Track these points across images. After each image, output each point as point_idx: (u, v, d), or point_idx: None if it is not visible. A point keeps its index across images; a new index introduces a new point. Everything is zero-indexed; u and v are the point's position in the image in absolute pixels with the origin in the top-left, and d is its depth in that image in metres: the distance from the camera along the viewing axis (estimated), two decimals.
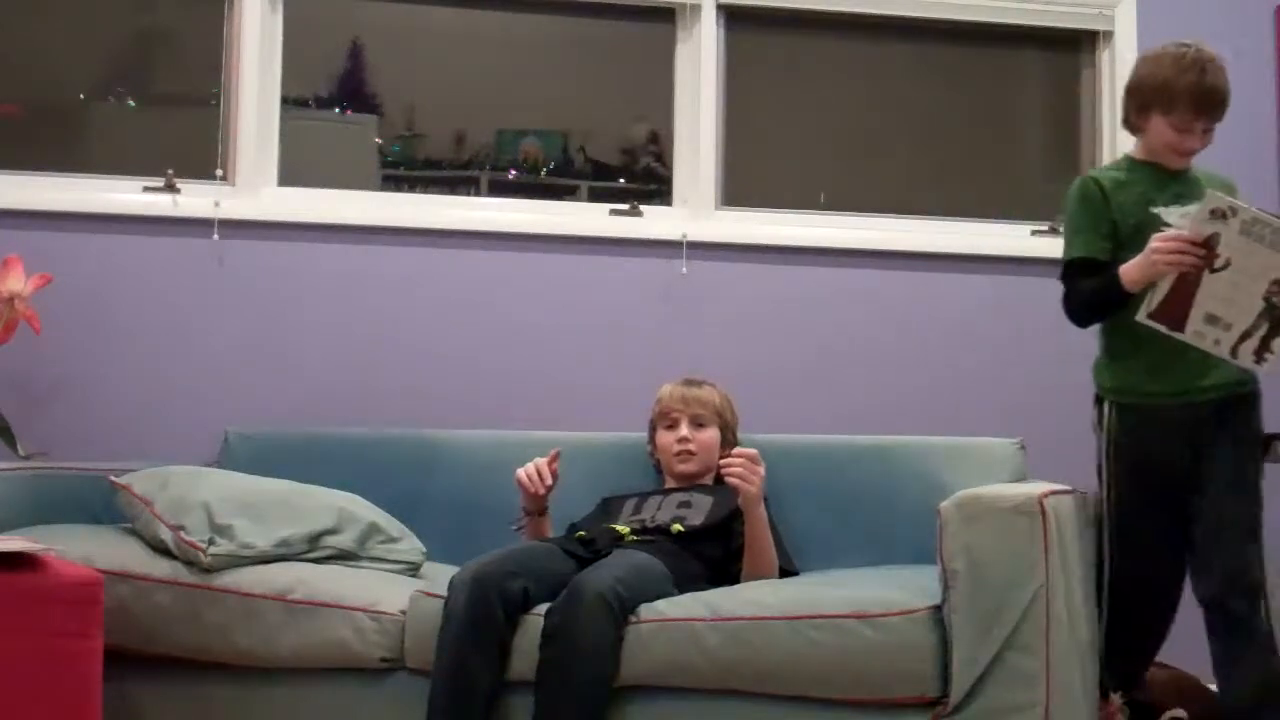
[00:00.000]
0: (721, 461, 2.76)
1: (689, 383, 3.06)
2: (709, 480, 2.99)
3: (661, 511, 2.86)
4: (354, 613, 2.55)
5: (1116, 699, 3.03)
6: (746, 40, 3.87)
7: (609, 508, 2.97)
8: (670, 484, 3.02)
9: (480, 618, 2.41)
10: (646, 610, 2.44)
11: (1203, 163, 3.89)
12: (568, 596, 2.39)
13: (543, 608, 2.44)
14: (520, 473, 2.83)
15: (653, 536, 2.76)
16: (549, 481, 2.82)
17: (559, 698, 2.34)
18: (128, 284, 3.47)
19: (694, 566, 2.70)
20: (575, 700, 2.35)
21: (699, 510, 2.85)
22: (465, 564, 2.50)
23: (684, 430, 2.99)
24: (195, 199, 3.52)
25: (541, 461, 2.82)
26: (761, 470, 2.69)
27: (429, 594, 2.53)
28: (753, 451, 2.69)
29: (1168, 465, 2.74)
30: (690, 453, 2.98)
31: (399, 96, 3.89)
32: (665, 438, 3.02)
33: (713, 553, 2.77)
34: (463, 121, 3.90)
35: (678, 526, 2.79)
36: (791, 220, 3.81)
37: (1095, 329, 2.98)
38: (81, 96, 3.71)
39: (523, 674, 2.41)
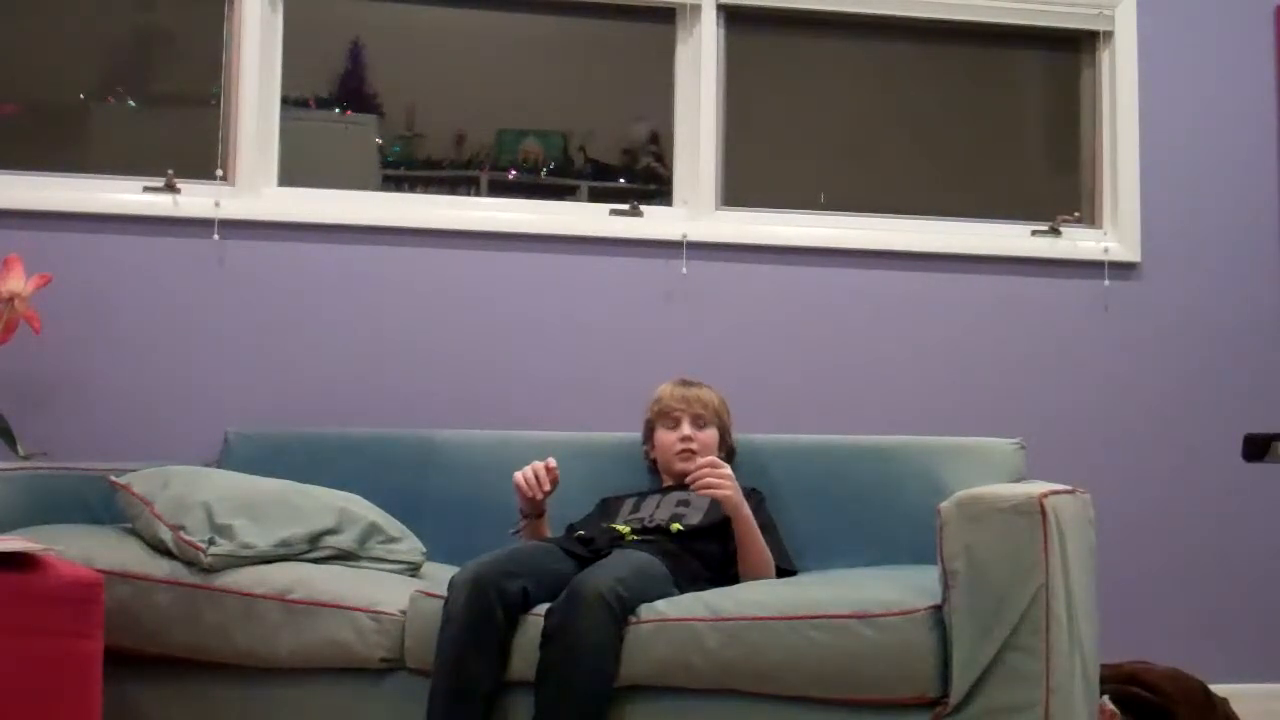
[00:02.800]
0: (688, 479, 2.74)
1: (686, 383, 3.07)
2: None
3: (660, 510, 2.86)
4: (354, 613, 2.55)
5: (1106, 700, 3.04)
6: (746, 40, 3.87)
7: (607, 508, 2.97)
8: (667, 483, 3.02)
9: (480, 618, 2.41)
10: (646, 610, 2.43)
11: (1200, 160, 3.91)
12: (568, 597, 2.39)
13: (543, 608, 2.43)
14: (518, 476, 2.83)
15: (652, 536, 2.76)
16: (546, 487, 2.82)
17: (559, 698, 2.34)
18: (128, 284, 3.47)
19: (694, 566, 2.70)
20: (575, 701, 2.34)
21: (697, 509, 2.85)
22: (465, 564, 2.50)
23: (686, 429, 2.99)
24: (195, 199, 3.52)
25: (539, 465, 2.82)
26: (726, 470, 2.71)
27: (429, 594, 2.53)
28: (709, 458, 2.75)
29: None
30: (692, 451, 2.97)
31: (399, 96, 3.89)
32: (667, 437, 3.02)
33: (712, 552, 2.77)
34: (463, 121, 3.89)
35: (677, 526, 2.79)
36: (791, 220, 3.81)
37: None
38: (81, 96, 3.71)
39: (523, 674, 2.41)
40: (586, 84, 3.95)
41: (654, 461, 3.08)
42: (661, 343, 3.63)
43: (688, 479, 2.74)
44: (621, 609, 2.39)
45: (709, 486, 2.68)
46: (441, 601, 2.46)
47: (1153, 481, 3.80)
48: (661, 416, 3.04)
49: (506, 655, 2.43)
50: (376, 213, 3.62)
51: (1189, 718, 3.14)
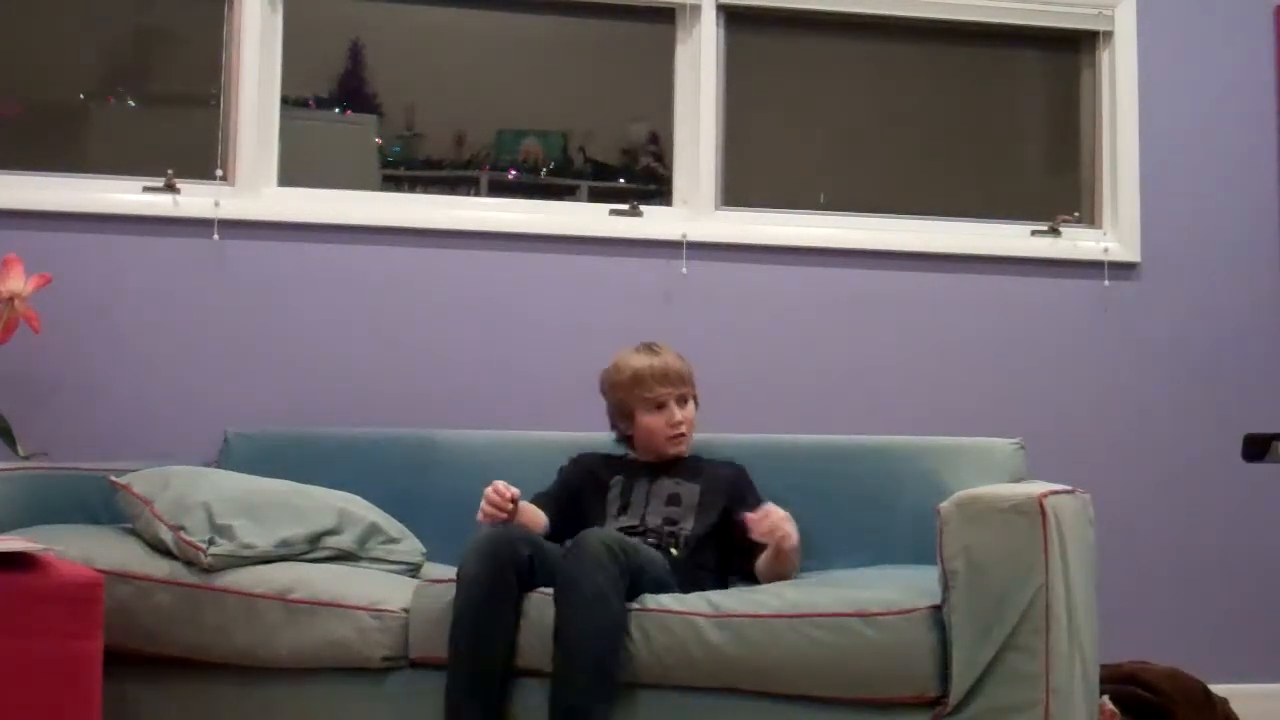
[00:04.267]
0: (760, 533, 2.68)
1: (653, 350, 2.97)
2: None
3: (650, 511, 2.84)
4: (355, 612, 2.55)
5: (1106, 700, 3.04)
6: (746, 40, 3.87)
7: (592, 495, 2.92)
8: (646, 457, 2.95)
9: (497, 575, 2.45)
10: (651, 602, 2.46)
11: (1200, 160, 3.91)
12: (573, 546, 2.45)
13: (547, 589, 2.47)
14: (482, 518, 2.67)
15: (652, 543, 2.76)
16: (510, 494, 2.67)
17: (573, 642, 2.37)
18: (128, 284, 3.47)
19: (698, 575, 2.72)
20: (590, 637, 2.38)
21: (689, 506, 2.83)
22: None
23: (678, 414, 2.93)
24: (195, 199, 3.52)
25: (495, 498, 2.66)
26: (787, 517, 2.71)
27: (434, 581, 2.56)
28: (780, 513, 2.69)
29: None
30: (683, 434, 2.94)
31: (399, 96, 3.89)
32: (654, 421, 2.93)
33: (709, 562, 2.79)
34: (463, 121, 3.90)
35: (675, 551, 2.76)
36: (791, 220, 3.81)
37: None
38: (81, 96, 3.71)
39: (530, 656, 2.44)
40: (586, 84, 3.95)
41: (627, 438, 3.01)
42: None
43: (761, 533, 2.67)
44: (624, 553, 2.45)
45: (785, 535, 2.67)
46: (447, 586, 2.49)
47: (1153, 481, 3.80)
48: (643, 399, 2.93)
49: (519, 615, 2.46)
50: (376, 213, 3.62)
51: (1189, 717, 3.14)
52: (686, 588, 2.59)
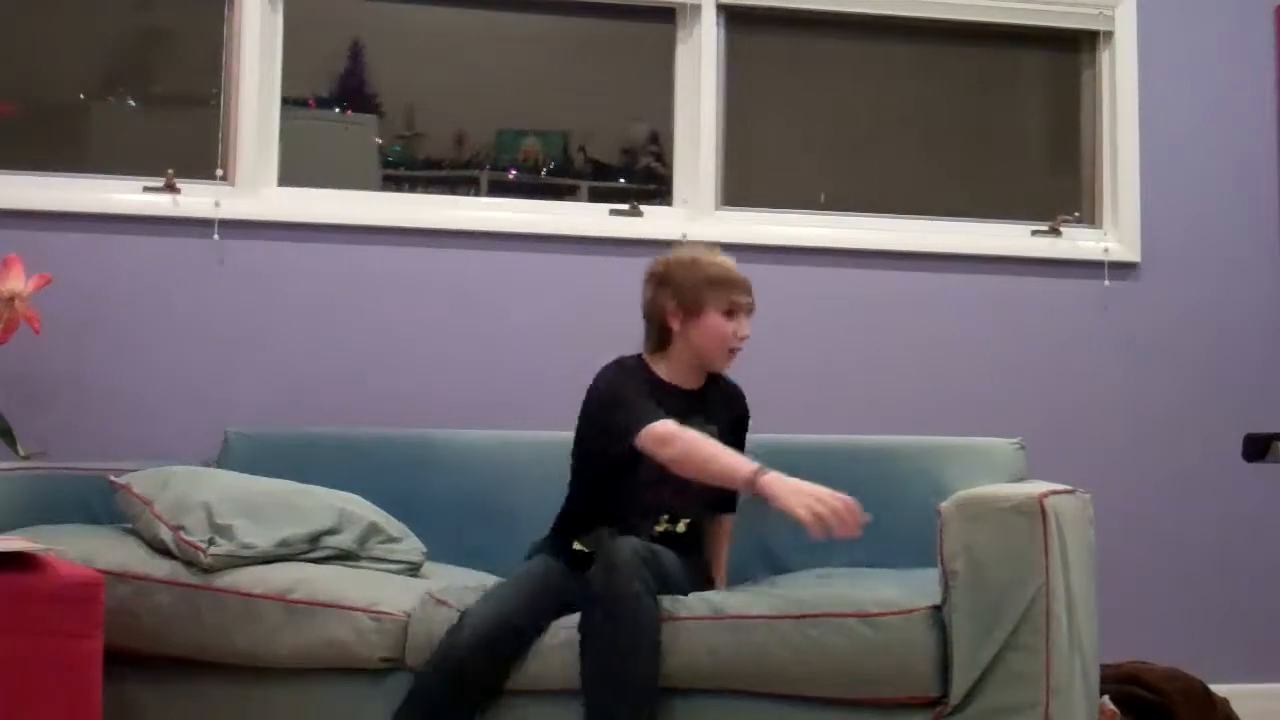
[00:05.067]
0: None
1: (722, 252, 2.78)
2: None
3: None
4: (354, 613, 2.55)
5: (1106, 700, 3.04)
6: (746, 40, 3.87)
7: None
8: (676, 379, 2.77)
9: (475, 679, 2.43)
10: None
11: (1200, 160, 3.92)
12: (602, 558, 2.41)
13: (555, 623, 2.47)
14: (817, 532, 2.37)
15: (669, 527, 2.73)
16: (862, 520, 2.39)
17: (610, 651, 2.35)
18: (128, 284, 3.47)
19: (695, 560, 2.73)
20: (627, 651, 2.34)
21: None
22: (487, 603, 2.48)
23: (746, 327, 2.75)
24: (195, 199, 3.52)
25: (852, 508, 2.40)
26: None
27: (440, 600, 2.54)
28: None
29: None
30: (739, 350, 2.76)
31: (399, 96, 3.88)
32: (725, 325, 2.72)
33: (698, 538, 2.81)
34: (463, 121, 3.89)
35: (680, 524, 2.76)
36: (791, 220, 3.81)
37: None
38: (81, 96, 3.71)
39: (522, 684, 2.44)
40: (586, 84, 3.95)
41: (665, 340, 2.76)
42: None
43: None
44: (654, 558, 2.42)
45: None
46: (449, 609, 2.48)
47: (1153, 481, 3.80)
48: (721, 301, 2.70)
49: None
50: (376, 213, 3.62)
51: (1189, 717, 3.14)
52: (688, 586, 2.59)
